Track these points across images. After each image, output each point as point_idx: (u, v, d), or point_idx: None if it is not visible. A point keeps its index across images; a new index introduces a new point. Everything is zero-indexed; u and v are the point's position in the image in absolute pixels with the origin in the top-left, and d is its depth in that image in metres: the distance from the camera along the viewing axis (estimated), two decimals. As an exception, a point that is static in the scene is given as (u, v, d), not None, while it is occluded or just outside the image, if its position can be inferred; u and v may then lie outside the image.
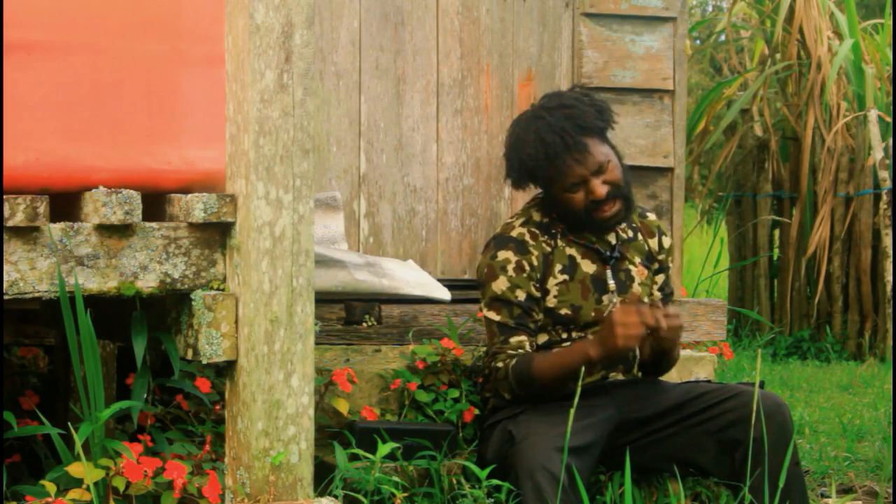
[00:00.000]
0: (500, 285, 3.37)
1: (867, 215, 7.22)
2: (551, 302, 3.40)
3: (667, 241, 3.57)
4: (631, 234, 3.52)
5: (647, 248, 3.53)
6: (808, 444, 4.68)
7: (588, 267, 3.44)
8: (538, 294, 3.39)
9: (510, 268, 3.38)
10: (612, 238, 3.47)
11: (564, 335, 3.43)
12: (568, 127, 3.33)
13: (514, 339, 3.36)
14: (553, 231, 3.44)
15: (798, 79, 7.59)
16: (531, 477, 3.08)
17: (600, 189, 3.35)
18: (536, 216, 3.46)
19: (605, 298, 3.44)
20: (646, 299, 3.50)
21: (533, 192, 3.57)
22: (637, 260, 3.50)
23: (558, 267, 3.42)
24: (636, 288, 3.48)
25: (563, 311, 3.41)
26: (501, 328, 3.37)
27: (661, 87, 4.57)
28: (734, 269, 7.85)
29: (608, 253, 3.46)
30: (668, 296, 3.56)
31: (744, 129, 7.83)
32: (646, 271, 3.51)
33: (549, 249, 3.42)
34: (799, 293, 7.51)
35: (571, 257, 3.43)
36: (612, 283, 3.45)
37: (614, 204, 3.38)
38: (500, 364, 3.36)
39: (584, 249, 3.45)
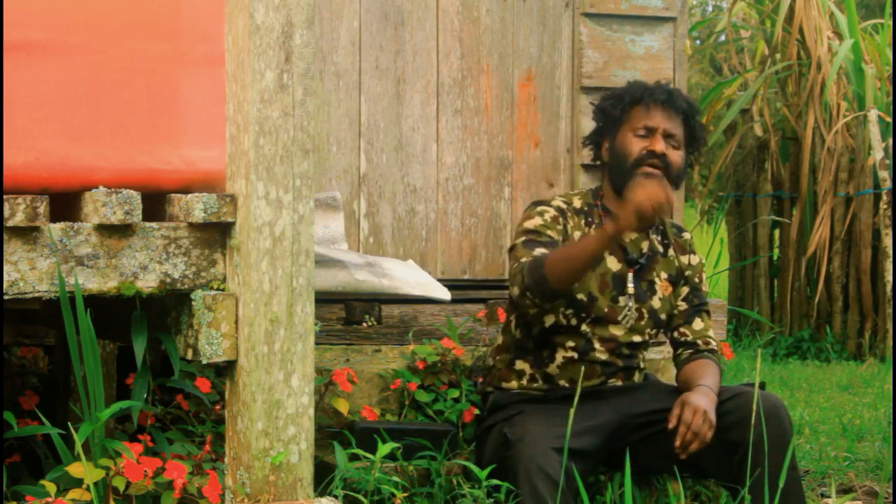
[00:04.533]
0: (534, 222, 3.40)
1: (867, 215, 7.22)
2: None
3: (695, 259, 3.57)
4: (662, 249, 3.52)
5: (676, 264, 3.53)
6: (808, 444, 4.68)
7: (613, 264, 3.44)
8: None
9: (548, 216, 3.41)
10: (644, 245, 3.47)
11: (574, 321, 3.41)
12: (679, 92, 3.47)
13: (540, 250, 3.33)
14: (590, 219, 3.47)
15: (798, 79, 7.59)
16: (529, 479, 3.08)
17: (660, 144, 3.40)
18: (577, 202, 3.50)
19: (622, 300, 3.43)
20: (663, 315, 3.50)
21: (547, 195, 3.56)
22: (663, 275, 3.50)
23: None
24: (656, 302, 3.47)
25: (579, 296, 3.40)
26: (529, 245, 3.34)
27: (661, 87, 4.57)
28: (734, 269, 7.85)
29: (634, 256, 3.45)
30: (696, 307, 3.53)
31: (744, 129, 7.83)
32: (671, 288, 3.50)
33: (580, 232, 3.44)
34: (799, 293, 7.51)
35: None
36: (631, 287, 3.43)
37: (656, 168, 3.39)
38: (519, 263, 3.33)
39: (613, 245, 3.44)
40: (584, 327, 3.42)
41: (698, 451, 3.31)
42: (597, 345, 3.43)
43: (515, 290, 3.34)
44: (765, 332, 7.53)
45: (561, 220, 3.42)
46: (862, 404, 5.54)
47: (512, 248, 3.42)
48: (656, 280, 3.49)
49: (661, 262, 3.51)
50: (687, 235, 3.60)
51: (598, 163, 3.56)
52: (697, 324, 3.51)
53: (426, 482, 3.38)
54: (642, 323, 3.46)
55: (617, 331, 3.43)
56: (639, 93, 3.45)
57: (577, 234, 3.43)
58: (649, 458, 3.40)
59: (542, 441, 3.17)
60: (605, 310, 3.42)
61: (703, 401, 3.26)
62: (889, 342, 7.09)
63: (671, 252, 3.53)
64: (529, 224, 3.41)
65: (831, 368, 6.80)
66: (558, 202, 3.48)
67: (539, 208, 3.45)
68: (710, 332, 3.53)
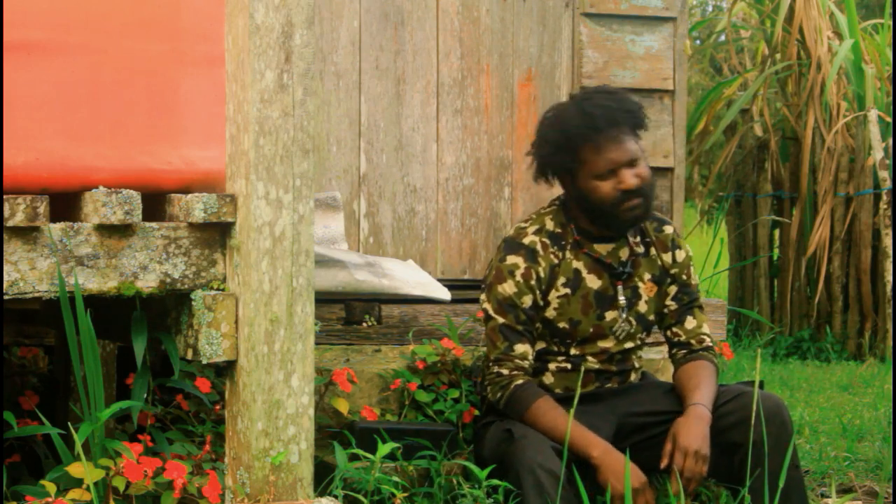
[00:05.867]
0: (507, 289, 3.33)
1: (867, 215, 7.22)
2: (550, 314, 3.38)
3: (681, 254, 3.50)
4: (643, 249, 3.47)
5: (659, 262, 3.48)
6: (808, 444, 4.68)
7: (593, 282, 3.40)
8: (541, 303, 3.37)
9: (518, 273, 3.34)
10: (624, 253, 3.42)
11: (562, 347, 3.41)
12: (614, 107, 3.32)
13: (519, 348, 3.33)
14: (563, 242, 3.39)
15: (798, 79, 7.59)
16: (532, 472, 3.08)
17: (631, 179, 3.30)
18: (549, 224, 3.41)
19: (608, 315, 3.41)
20: (651, 317, 3.48)
21: (547, 195, 3.55)
22: (646, 276, 3.45)
23: (562, 280, 3.37)
24: (642, 306, 3.45)
25: (561, 325, 3.39)
26: (506, 332, 3.33)
27: (661, 87, 4.57)
28: (734, 269, 7.85)
29: (619, 269, 3.41)
30: (686, 305, 3.49)
31: (744, 129, 7.83)
32: (655, 288, 3.46)
33: (556, 261, 3.37)
34: (799, 293, 7.51)
35: (577, 271, 3.38)
36: (622, 300, 3.41)
37: (638, 200, 3.32)
38: (504, 371, 3.32)
39: (592, 263, 3.40)
40: (573, 350, 3.41)
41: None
42: (589, 357, 3.42)
43: (489, 395, 3.36)
44: (765, 332, 7.53)
45: (533, 273, 3.34)
46: (862, 404, 5.54)
47: (488, 319, 3.36)
48: (640, 284, 3.44)
49: (644, 264, 3.46)
50: (669, 229, 3.51)
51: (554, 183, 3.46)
52: (689, 322, 3.49)
53: (426, 482, 3.38)
54: (632, 330, 3.45)
55: (606, 343, 3.42)
56: (585, 133, 3.29)
57: (550, 277, 3.36)
58: (649, 458, 3.39)
59: (545, 440, 3.17)
60: (591, 329, 3.40)
61: (694, 437, 3.22)
62: (889, 342, 7.09)
63: (653, 251, 3.48)
64: (502, 290, 3.34)
65: (831, 368, 6.80)
66: (531, 237, 3.38)
67: (511, 261, 3.35)
68: (705, 328, 3.50)
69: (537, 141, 3.40)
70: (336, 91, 4.29)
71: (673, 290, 3.49)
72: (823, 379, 6.34)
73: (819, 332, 7.43)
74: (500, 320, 3.34)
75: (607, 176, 3.30)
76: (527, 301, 3.34)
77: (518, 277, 3.34)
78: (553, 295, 3.37)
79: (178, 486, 2.66)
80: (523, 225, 3.44)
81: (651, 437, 3.39)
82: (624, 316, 3.41)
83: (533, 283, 3.34)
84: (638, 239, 3.46)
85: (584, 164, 3.31)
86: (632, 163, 3.31)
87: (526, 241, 3.38)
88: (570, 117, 3.32)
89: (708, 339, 3.48)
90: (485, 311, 3.38)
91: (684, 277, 3.50)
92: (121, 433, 3.27)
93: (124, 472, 2.65)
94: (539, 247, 3.37)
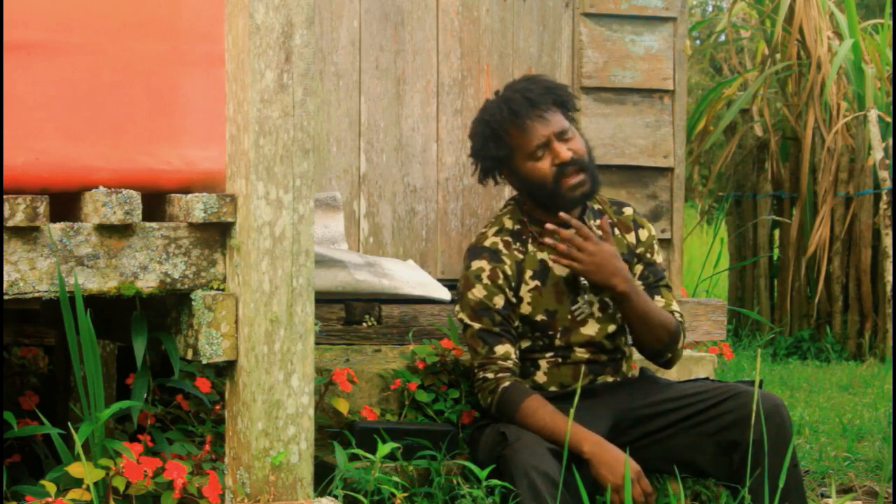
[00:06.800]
0: (477, 293, 3.36)
1: (867, 215, 7.22)
2: (525, 309, 3.39)
3: (644, 233, 3.52)
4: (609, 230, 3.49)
5: (625, 242, 3.49)
6: (808, 444, 4.68)
7: (560, 269, 3.40)
8: (513, 301, 3.38)
9: (484, 276, 3.36)
10: None
11: (546, 341, 3.41)
12: (531, 87, 3.37)
13: (499, 349, 3.34)
14: (524, 237, 3.42)
15: (798, 79, 7.59)
16: (526, 476, 3.08)
17: (565, 152, 3.32)
18: (508, 223, 3.44)
19: (581, 299, 3.42)
20: None
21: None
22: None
23: (529, 273, 3.39)
24: None
25: (539, 318, 3.39)
26: (484, 336, 3.34)
27: (661, 87, 4.57)
28: (734, 269, 7.85)
29: None
30: (653, 285, 3.48)
31: (744, 129, 7.84)
32: (626, 266, 3.47)
33: (521, 257, 3.40)
34: (799, 293, 7.51)
35: (542, 262, 3.40)
36: (584, 281, 3.40)
37: (579, 173, 3.34)
38: (490, 375, 3.33)
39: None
40: (557, 341, 3.41)
41: (698, 451, 3.32)
42: (576, 348, 3.42)
43: (480, 400, 3.37)
44: (765, 332, 7.53)
45: (500, 272, 3.36)
46: (862, 404, 5.54)
47: (465, 328, 3.38)
48: None
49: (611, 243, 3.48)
50: (628, 210, 3.55)
51: (499, 182, 3.50)
52: (657, 301, 3.47)
53: (426, 482, 3.38)
54: (609, 311, 3.44)
55: (589, 330, 3.42)
56: (507, 119, 3.34)
57: (516, 273, 3.38)
58: (649, 457, 3.39)
59: (539, 440, 3.17)
60: (569, 316, 3.41)
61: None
62: (889, 342, 7.09)
63: (617, 232, 3.50)
64: (472, 296, 3.36)
65: (831, 368, 6.80)
66: (491, 239, 3.41)
67: (475, 266, 3.38)
68: (674, 306, 3.48)
69: (471, 142, 3.46)
70: (336, 91, 4.29)
71: (639, 269, 3.50)
72: (823, 379, 6.34)
73: (819, 332, 7.43)
74: (477, 326, 3.36)
75: (540, 153, 3.34)
76: (498, 301, 3.36)
77: (485, 280, 3.36)
78: (524, 290, 3.39)
79: (178, 486, 2.66)
80: (483, 230, 3.48)
81: (650, 434, 3.39)
82: (586, 297, 3.40)
83: (501, 282, 3.37)
84: (599, 222, 3.46)
85: (515, 149, 3.36)
86: (561, 135, 3.35)
87: (487, 243, 3.41)
88: (492, 109, 3.39)
89: (677, 315, 3.46)
90: (461, 321, 3.41)
91: (648, 256, 3.51)
92: (121, 433, 3.27)
93: (124, 472, 2.65)
94: (501, 246, 3.41)
